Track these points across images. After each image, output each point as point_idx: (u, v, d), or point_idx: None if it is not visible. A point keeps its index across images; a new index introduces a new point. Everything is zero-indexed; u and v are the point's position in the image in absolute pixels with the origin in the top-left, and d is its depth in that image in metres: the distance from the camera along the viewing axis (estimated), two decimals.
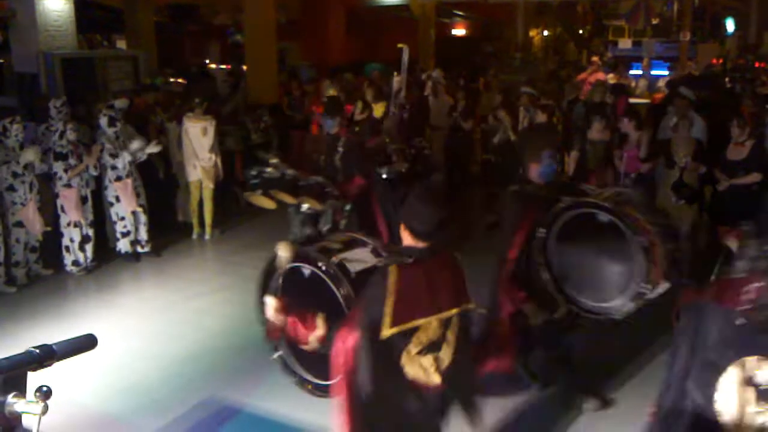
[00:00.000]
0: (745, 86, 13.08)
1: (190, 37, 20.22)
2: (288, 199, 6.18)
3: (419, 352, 2.67)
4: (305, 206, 6.11)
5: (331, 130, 6.56)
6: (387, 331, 2.58)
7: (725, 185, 6.87)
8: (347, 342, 2.61)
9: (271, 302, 2.85)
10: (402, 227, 2.78)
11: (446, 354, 2.76)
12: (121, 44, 16.43)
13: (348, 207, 6.34)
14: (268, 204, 6.29)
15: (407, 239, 2.76)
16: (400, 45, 11.44)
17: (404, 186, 8.30)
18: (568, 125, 10.08)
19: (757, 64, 22.08)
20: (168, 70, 13.88)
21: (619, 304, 4.14)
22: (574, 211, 4.27)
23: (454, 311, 2.75)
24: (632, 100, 11.64)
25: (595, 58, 16.36)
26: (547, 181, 4.50)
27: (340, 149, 6.44)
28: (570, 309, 4.34)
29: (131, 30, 14.99)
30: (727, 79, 15.99)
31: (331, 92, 9.73)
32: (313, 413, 4.72)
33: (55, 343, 1.81)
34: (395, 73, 11.06)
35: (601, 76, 13.24)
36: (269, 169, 6.30)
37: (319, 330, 2.78)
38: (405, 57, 11.10)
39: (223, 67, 16.57)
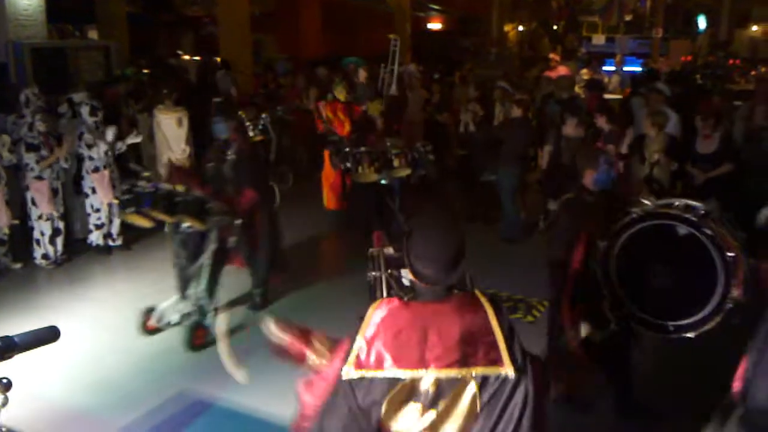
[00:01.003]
0: (715, 83, 13.28)
1: (163, 28, 19.98)
2: (164, 217, 5.57)
3: (403, 404, 2.17)
4: (185, 225, 5.52)
5: (223, 136, 5.94)
6: (348, 374, 2.15)
7: (701, 180, 6.94)
8: (334, 366, 2.31)
9: (271, 325, 2.64)
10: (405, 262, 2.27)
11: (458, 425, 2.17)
12: (93, 35, 16.18)
13: (237, 222, 5.76)
14: (144, 222, 5.71)
15: (412, 277, 2.25)
16: (391, 35, 11.36)
17: (407, 195, 7.96)
18: (542, 120, 10.14)
19: (731, 62, 22.43)
20: (142, 61, 13.73)
21: (697, 322, 3.85)
22: (646, 224, 3.98)
23: (455, 372, 2.12)
24: (605, 96, 11.74)
25: (552, 55, 16.19)
26: (602, 188, 4.32)
27: (231, 157, 5.86)
28: (632, 328, 4.06)
29: (103, 20, 14.77)
30: (698, 76, 16.21)
31: (339, 90, 8.90)
32: (284, 407, 4.70)
33: (16, 335, 1.79)
34: (382, 65, 11.01)
35: (562, 70, 13.30)
36: (141, 184, 5.77)
37: (317, 348, 2.56)
38: (396, 48, 11.01)
39: (196, 58, 16.40)
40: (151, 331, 5.73)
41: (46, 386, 4.93)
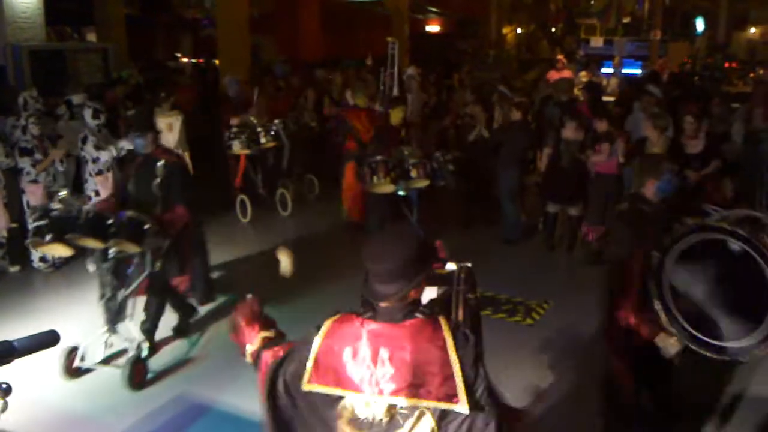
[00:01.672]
0: (713, 85, 13.30)
1: (161, 30, 20.00)
2: (94, 243, 4.91)
3: (352, 422, 2.11)
4: (114, 251, 4.97)
5: (144, 150, 5.44)
6: (306, 386, 2.13)
7: (695, 179, 6.96)
8: (269, 359, 2.31)
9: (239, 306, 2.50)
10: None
11: None
12: (92, 37, 16.20)
13: (167, 243, 5.23)
14: (63, 251, 5.03)
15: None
16: (389, 38, 11.33)
17: (424, 206, 7.68)
18: (541, 122, 10.14)
19: (726, 65, 22.47)
20: (141, 63, 13.73)
21: (750, 345, 3.59)
22: (699, 236, 3.73)
23: (404, 400, 2.02)
24: (603, 98, 11.75)
25: (560, 56, 16.03)
26: (663, 198, 4.17)
27: (159, 173, 5.28)
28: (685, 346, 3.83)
29: (101, 22, 14.78)
30: (696, 78, 16.23)
31: (360, 96, 8.58)
32: None
33: (15, 340, 1.77)
34: (382, 69, 10.99)
35: (567, 73, 13.29)
36: (57, 207, 4.94)
37: (255, 343, 2.41)
38: (395, 51, 10.99)
39: (195, 60, 16.42)
40: (76, 373, 5.15)
41: (45, 391, 4.90)
